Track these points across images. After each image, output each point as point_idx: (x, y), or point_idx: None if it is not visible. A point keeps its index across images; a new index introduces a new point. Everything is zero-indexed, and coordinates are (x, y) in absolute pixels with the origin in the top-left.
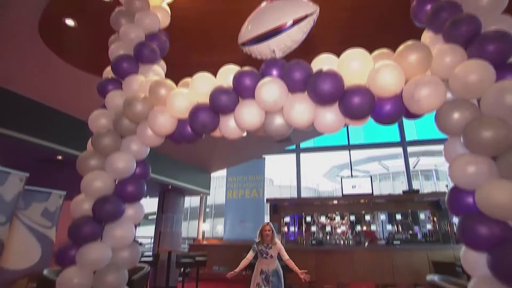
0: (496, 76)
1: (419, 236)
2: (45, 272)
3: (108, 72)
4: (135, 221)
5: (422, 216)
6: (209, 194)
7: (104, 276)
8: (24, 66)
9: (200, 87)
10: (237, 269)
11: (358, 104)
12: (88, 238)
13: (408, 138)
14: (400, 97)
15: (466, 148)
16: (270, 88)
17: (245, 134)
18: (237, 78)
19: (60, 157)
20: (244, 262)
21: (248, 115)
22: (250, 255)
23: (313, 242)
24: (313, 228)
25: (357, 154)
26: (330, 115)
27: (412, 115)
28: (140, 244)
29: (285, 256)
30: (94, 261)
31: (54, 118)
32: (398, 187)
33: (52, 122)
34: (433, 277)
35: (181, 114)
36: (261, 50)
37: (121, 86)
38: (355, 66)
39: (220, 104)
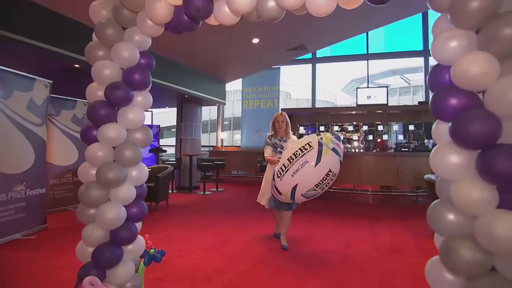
0: None
1: (430, 145)
2: None
3: None
4: (144, 107)
5: None
6: (225, 104)
7: (122, 151)
8: None
9: None
10: (274, 159)
11: None
12: (105, 118)
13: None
14: None
15: (451, 23)
16: None
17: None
18: None
19: (77, 66)
20: (272, 158)
21: None
22: (269, 151)
23: None
24: None
25: (377, 67)
26: None
27: None
28: (165, 151)
29: None
30: (112, 138)
31: (69, 27)
32: (417, 101)
33: (67, 31)
34: (430, 176)
35: (176, 0)
36: None
37: None
38: None
39: None
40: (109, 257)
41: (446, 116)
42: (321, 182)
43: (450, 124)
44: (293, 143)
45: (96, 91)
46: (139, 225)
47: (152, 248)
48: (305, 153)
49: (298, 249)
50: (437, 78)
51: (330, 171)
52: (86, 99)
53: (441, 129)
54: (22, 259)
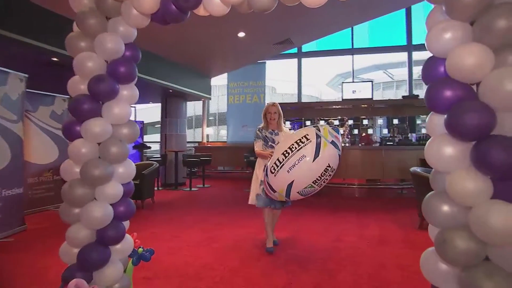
0: None
1: (414, 139)
2: None
3: None
4: (130, 102)
5: (419, 121)
6: (210, 99)
7: (108, 147)
8: None
9: None
10: (266, 153)
11: None
12: (89, 113)
13: (415, 42)
14: None
15: (446, 14)
16: None
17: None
18: None
19: (55, 59)
20: (262, 151)
21: None
22: (260, 145)
23: None
24: None
25: (361, 62)
26: None
27: None
28: (149, 147)
29: None
30: (96, 134)
31: (48, 19)
32: (401, 95)
33: (45, 23)
34: (416, 168)
35: None
36: None
37: None
38: None
39: None
40: (96, 258)
41: (441, 108)
42: (319, 178)
43: (445, 116)
44: (286, 136)
45: (78, 85)
46: (126, 223)
47: (140, 247)
48: (302, 147)
49: (288, 244)
50: (431, 70)
51: (329, 166)
52: (65, 95)
53: (435, 121)
54: (1, 262)
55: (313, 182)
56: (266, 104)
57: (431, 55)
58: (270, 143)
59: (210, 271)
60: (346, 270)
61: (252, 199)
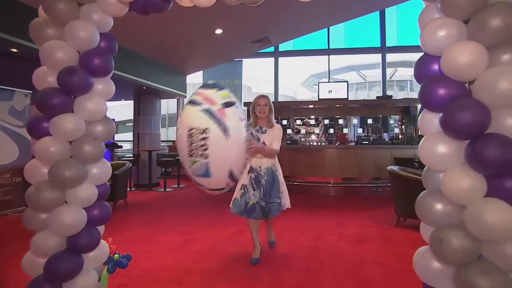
0: None
1: (387, 138)
2: None
3: None
4: (106, 97)
5: (391, 121)
6: (185, 97)
7: (81, 146)
8: None
9: None
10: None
11: None
12: (59, 108)
13: (388, 44)
14: None
15: (441, 12)
16: None
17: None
18: None
19: (14, 50)
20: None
21: None
22: None
23: (288, 141)
24: (289, 131)
25: (335, 63)
26: None
27: None
28: (120, 146)
29: (275, 146)
30: (68, 131)
31: (5, 6)
32: (373, 96)
33: (5, 10)
34: (393, 167)
35: None
36: None
37: None
38: None
39: None
40: (66, 268)
41: (435, 105)
42: (191, 147)
43: (438, 114)
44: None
45: (46, 76)
46: (101, 228)
47: (116, 253)
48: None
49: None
50: (424, 68)
51: (192, 128)
52: (25, 89)
53: (428, 119)
54: None
55: (189, 156)
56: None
57: (422, 53)
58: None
59: (190, 275)
60: (327, 268)
61: (231, 202)
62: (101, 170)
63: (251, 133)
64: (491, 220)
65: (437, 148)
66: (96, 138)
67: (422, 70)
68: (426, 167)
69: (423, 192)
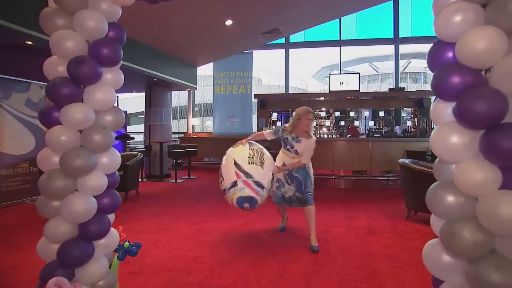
0: None
1: (399, 131)
2: None
3: None
4: (115, 86)
5: (404, 114)
6: (196, 89)
7: (90, 135)
8: None
9: None
10: (244, 140)
11: None
12: (68, 98)
13: (402, 35)
14: None
15: None
16: None
17: None
18: None
19: (30, 42)
20: (257, 136)
21: None
22: (268, 134)
23: None
24: None
25: (347, 55)
26: None
27: None
28: (132, 138)
29: (304, 158)
30: (78, 120)
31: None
32: (385, 88)
33: (16, 2)
34: (404, 160)
35: None
36: None
37: None
38: None
39: None
40: (78, 254)
41: (449, 94)
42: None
43: (454, 103)
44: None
45: (56, 66)
46: (111, 216)
47: (126, 241)
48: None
49: (277, 235)
50: (438, 56)
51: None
52: (41, 81)
53: (441, 108)
54: None
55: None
56: (300, 108)
57: (437, 40)
58: (288, 147)
59: (200, 264)
60: (335, 261)
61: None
62: (111, 160)
63: (286, 137)
64: (505, 213)
65: (450, 138)
66: (105, 127)
67: (436, 58)
68: (437, 159)
69: (435, 183)
